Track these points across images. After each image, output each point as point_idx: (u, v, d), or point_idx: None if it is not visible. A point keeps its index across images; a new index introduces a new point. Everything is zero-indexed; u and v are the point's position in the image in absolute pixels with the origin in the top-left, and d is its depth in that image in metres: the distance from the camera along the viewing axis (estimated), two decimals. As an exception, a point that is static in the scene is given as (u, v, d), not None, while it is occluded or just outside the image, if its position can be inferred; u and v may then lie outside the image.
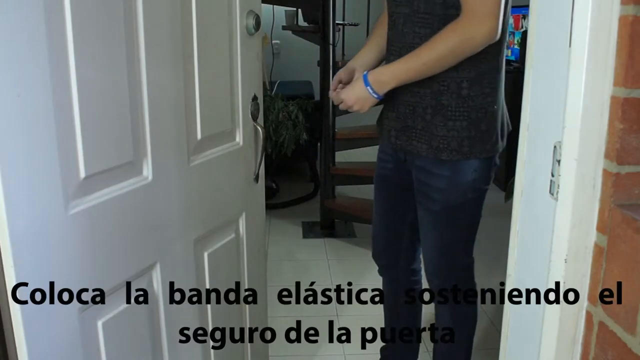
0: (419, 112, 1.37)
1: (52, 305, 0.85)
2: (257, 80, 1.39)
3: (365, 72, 1.35)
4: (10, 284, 0.78)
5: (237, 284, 1.43)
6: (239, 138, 1.34)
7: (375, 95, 1.34)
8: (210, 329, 1.31)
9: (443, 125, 1.34)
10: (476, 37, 1.24)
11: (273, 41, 4.41)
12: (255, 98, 1.37)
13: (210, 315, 1.30)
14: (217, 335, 1.34)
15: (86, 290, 0.91)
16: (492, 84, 1.34)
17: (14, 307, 0.79)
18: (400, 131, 1.43)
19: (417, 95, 1.37)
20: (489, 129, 1.35)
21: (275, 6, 3.63)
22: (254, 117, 1.37)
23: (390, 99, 1.44)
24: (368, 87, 1.33)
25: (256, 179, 1.42)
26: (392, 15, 1.41)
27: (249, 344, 1.52)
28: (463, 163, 1.37)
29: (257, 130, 1.39)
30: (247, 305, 1.48)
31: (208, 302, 1.29)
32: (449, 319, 1.59)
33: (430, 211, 1.45)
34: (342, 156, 3.42)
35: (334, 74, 2.61)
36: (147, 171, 1.03)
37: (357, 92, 1.36)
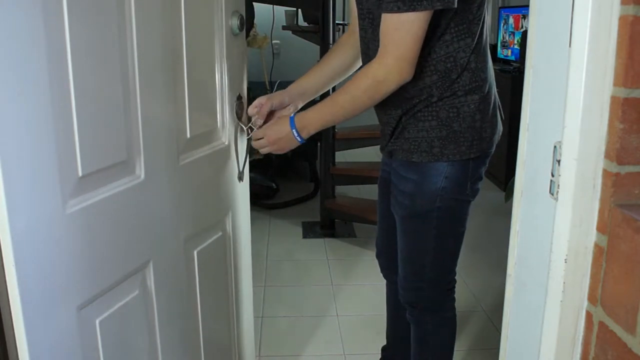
0: (393, 123, 1.37)
1: (51, 304, 0.85)
2: (242, 80, 1.41)
3: (292, 115, 1.34)
4: (11, 282, 0.78)
5: (225, 280, 1.45)
6: (225, 137, 1.36)
7: (299, 139, 1.33)
8: (200, 324, 1.32)
9: (414, 127, 1.33)
10: (387, 81, 1.22)
11: (273, 41, 4.41)
12: (239, 97, 1.39)
13: (200, 312, 1.31)
14: (207, 329, 1.35)
15: (84, 288, 0.92)
16: (465, 87, 1.29)
17: (15, 305, 0.79)
18: (386, 140, 1.43)
19: (393, 115, 1.36)
20: (462, 129, 1.30)
21: (275, 6, 3.63)
22: (239, 117, 1.39)
23: (377, 115, 1.45)
24: (294, 130, 1.32)
25: (240, 178, 1.44)
26: (360, 39, 1.39)
27: (236, 339, 1.53)
28: (433, 168, 1.33)
29: (242, 130, 1.41)
30: (234, 301, 1.50)
31: (198, 299, 1.30)
32: (415, 342, 1.56)
33: (398, 216, 1.43)
34: (342, 156, 3.42)
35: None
36: (140, 170, 1.04)
37: (281, 133, 1.33)
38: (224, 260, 1.44)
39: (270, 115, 1.41)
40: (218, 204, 1.37)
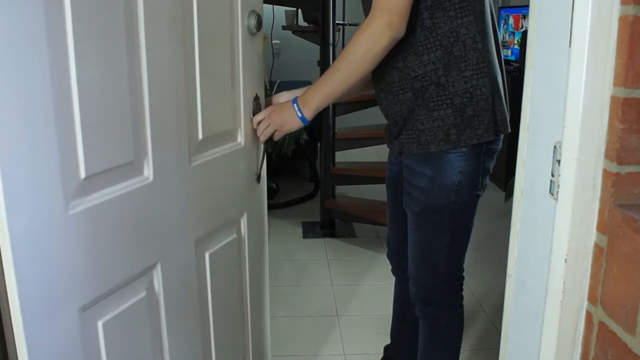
0: (404, 113, 1.37)
1: (52, 305, 0.85)
2: (259, 80, 1.39)
3: (295, 98, 1.34)
4: (10, 284, 0.78)
5: (239, 284, 1.43)
6: (240, 138, 1.34)
7: (299, 114, 1.31)
8: (211, 328, 1.31)
9: (428, 118, 1.33)
10: (377, 34, 1.22)
11: (273, 41, 4.41)
12: (256, 98, 1.37)
13: (211, 315, 1.30)
14: (219, 334, 1.34)
15: (86, 290, 0.91)
16: (472, 67, 1.30)
17: (14, 307, 0.79)
18: (394, 134, 1.43)
19: (402, 102, 1.37)
20: (476, 113, 1.31)
21: (275, 6, 3.63)
22: None
23: (384, 108, 1.45)
24: (295, 105, 1.31)
25: (258, 179, 1.43)
26: None
27: (250, 344, 1.52)
28: (447, 162, 1.33)
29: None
30: (248, 306, 1.48)
31: (209, 302, 1.29)
32: (426, 338, 1.57)
33: (412, 211, 1.44)
34: (342, 156, 3.42)
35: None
36: (148, 171, 1.03)
37: (282, 108, 1.33)
38: (238, 262, 1.41)
39: None
40: (232, 205, 1.36)
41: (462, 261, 1.50)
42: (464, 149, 1.32)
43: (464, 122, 1.31)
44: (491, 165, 1.42)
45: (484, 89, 1.31)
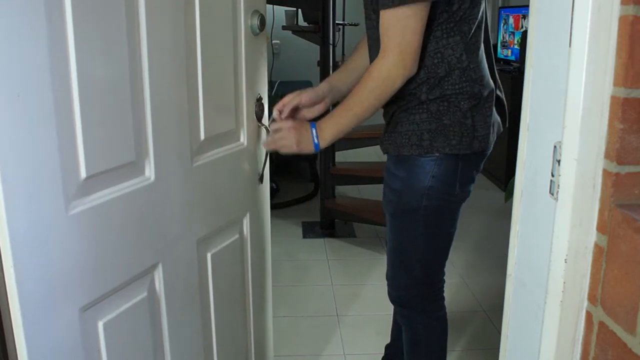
0: (388, 119, 1.40)
1: (52, 305, 0.85)
2: (262, 81, 1.39)
3: (313, 122, 1.35)
4: (10, 284, 0.78)
5: (241, 284, 1.42)
6: (243, 138, 1.34)
7: (316, 140, 1.32)
8: (213, 329, 1.31)
9: (406, 121, 1.35)
10: (391, 77, 1.24)
11: (273, 41, 4.42)
12: (260, 98, 1.37)
13: (213, 316, 1.30)
14: (221, 335, 1.33)
15: (87, 290, 0.91)
16: (455, 86, 1.30)
17: (14, 307, 0.79)
18: (382, 137, 1.45)
19: (387, 112, 1.40)
20: (452, 123, 1.30)
21: (275, 6, 3.63)
22: (259, 118, 1.37)
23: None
24: (313, 130, 1.32)
25: (260, 179, 1.43)
26: (368, 38, 1.42)
27: (252, 345, 1.52)
28: (420, 166, 1.33)
29: (262, 131, 1.39)
30: (251, 306, 1.48)
31: (211, 303, 1.29)
32: (407, 343, 1.57)
33: (388, 213, 1.45)
34: (342, 156, 3.42)
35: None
36: (150, 171, 1.03)
37: (301, 127, 1.33)
38: (240, 263, 1.41)
39: (294, 112, 1.40)
40: (235, 206, 1.36)
41: (442, 266, 1.49)
42: (436, 154, 1.32)
43: (438, 129, 1.31)
44: (475, 173, 1.40)
45: (462, 103, 1.31)
